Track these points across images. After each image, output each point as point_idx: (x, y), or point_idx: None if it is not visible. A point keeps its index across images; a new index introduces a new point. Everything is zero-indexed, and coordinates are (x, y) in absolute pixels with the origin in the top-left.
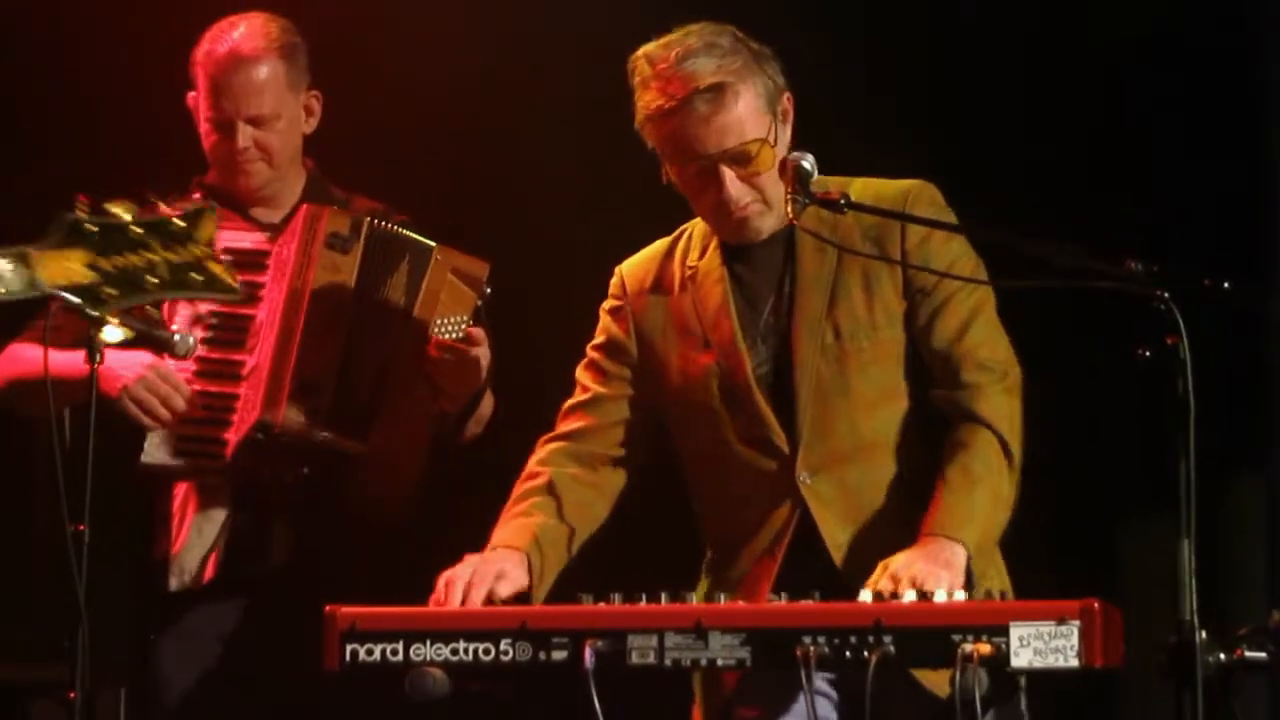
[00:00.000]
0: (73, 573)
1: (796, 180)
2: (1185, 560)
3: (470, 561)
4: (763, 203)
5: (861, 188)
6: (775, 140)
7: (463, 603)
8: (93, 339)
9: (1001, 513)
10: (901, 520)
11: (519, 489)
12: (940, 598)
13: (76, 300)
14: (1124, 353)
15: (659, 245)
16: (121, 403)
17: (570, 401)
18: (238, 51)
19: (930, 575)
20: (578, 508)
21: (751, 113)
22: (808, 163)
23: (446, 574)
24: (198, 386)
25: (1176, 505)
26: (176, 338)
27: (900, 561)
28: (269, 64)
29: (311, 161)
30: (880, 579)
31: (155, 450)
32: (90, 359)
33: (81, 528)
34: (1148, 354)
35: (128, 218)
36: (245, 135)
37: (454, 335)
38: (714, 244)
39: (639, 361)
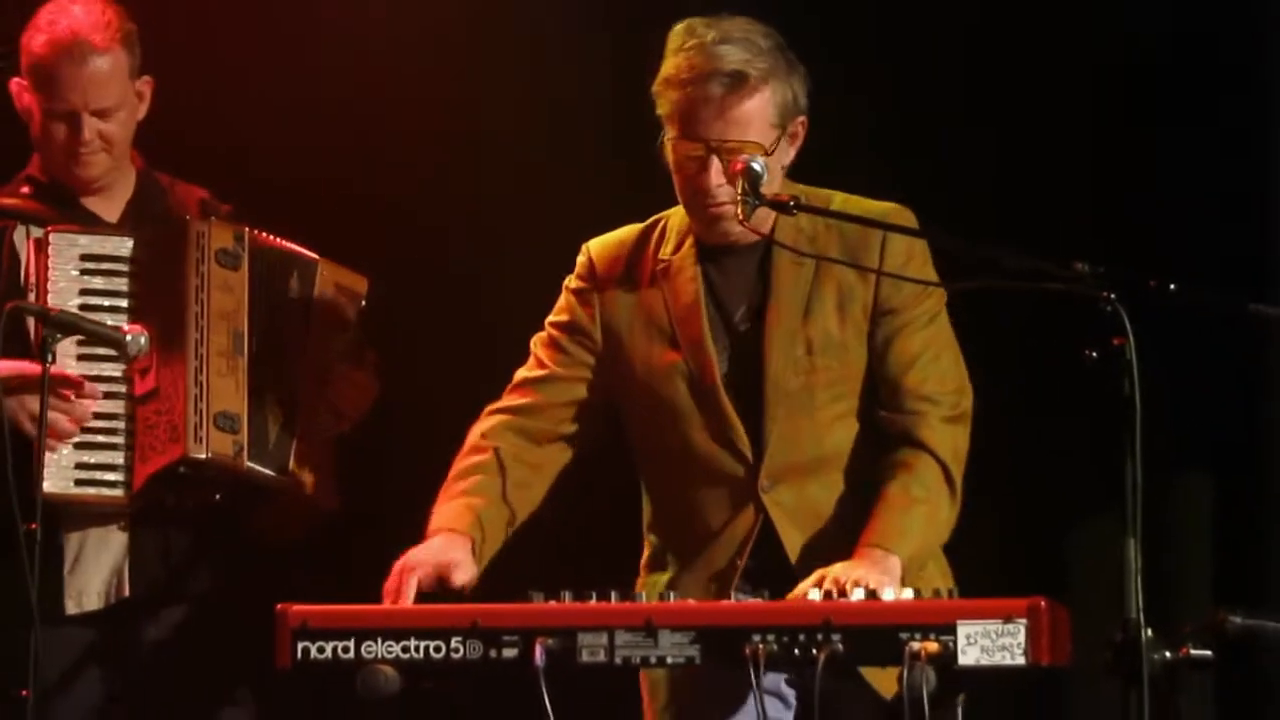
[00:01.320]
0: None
1: (747, 181)
2: (1131, 559)
3: (417, 556)
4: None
5: (842, 202)
6: (773, 153)
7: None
8: (46, 340)
9: (936, 536)
10: (855, 529)
11: (460, 463)
12: (889, 596)
13: None
14: (1072, 352)
15: (630, 231)
16: (16, 416)
17: (522, 374)
18: (84, 41)
19: (872, 578)
20: (517, 488)
21: (760, 117)
22: (758, 165)
23: (399, 565)
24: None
25: (1123, 504)
26: (128, 338)
27: (839, 568)
28: (113, 54)
29: (138, 155)
30: (824, 581)
31: (55, 479)
32: (42, 359)
33: (33, 526)
34: (1095, 355)
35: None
36: (91, 128)
37: (344, 354)
38: (689, 241)
39: (602, 349)
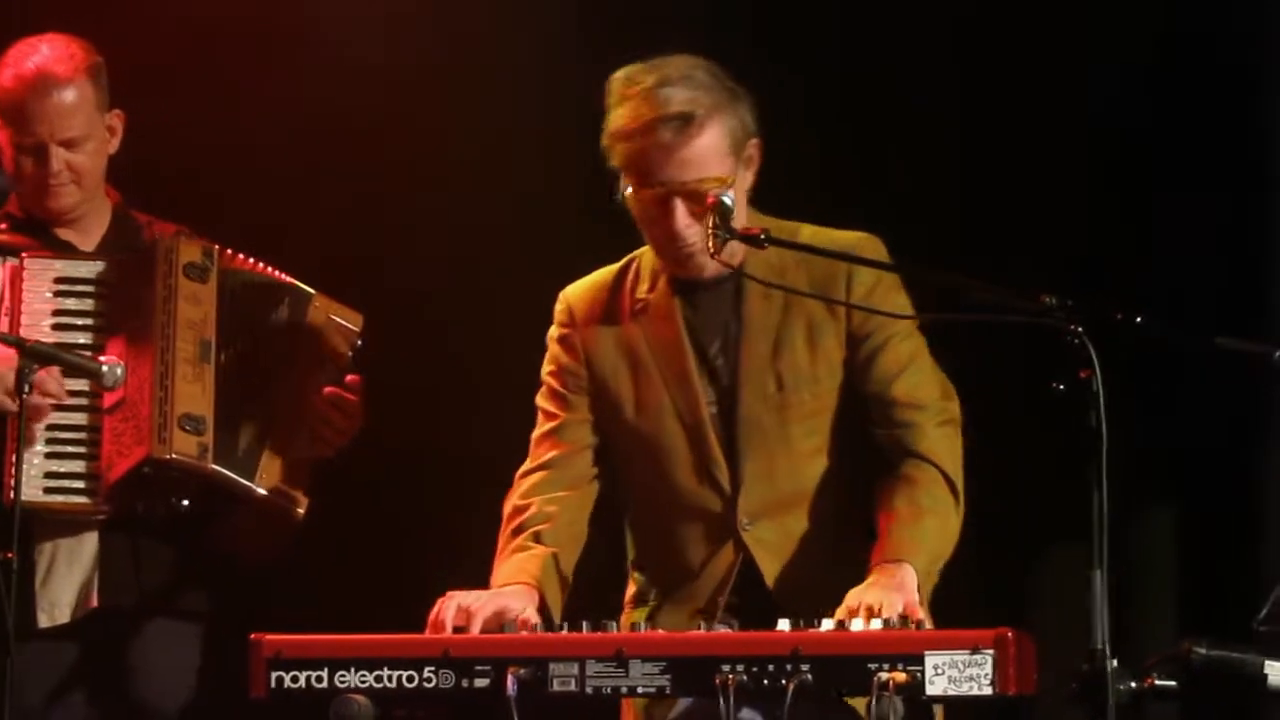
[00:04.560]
0: None
1: (717, 215)
2: (1097, 589)
3: (485, 594)
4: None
5: (810, 234)
6: (734, 184)
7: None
8: (23, 371)
9: (947, 544)
10: (838, 566)
11: (511, 523)
12: (858, 625)
13: None
14: (1038, 383)
15: (605, 274)
16: None
17: (539, 431)
18: (48, 74)
19: (884, 601)
20: (568, 529)
21: (714, 151)
22: (728, 199)
23: (462, 598)
24: (60, 419)
25: (1089, 535)
26: (104, 368)
27: (853, 593)
28: (78, 85)
29: (114, 190)
30: (840, 610)
31: (25, 487)
32: (19, 390)
33: (10, 555)
34: (1061, 387)
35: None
36: (59, 158)
37: (331, 382)
38: (664, 278)
39: (592, 388)
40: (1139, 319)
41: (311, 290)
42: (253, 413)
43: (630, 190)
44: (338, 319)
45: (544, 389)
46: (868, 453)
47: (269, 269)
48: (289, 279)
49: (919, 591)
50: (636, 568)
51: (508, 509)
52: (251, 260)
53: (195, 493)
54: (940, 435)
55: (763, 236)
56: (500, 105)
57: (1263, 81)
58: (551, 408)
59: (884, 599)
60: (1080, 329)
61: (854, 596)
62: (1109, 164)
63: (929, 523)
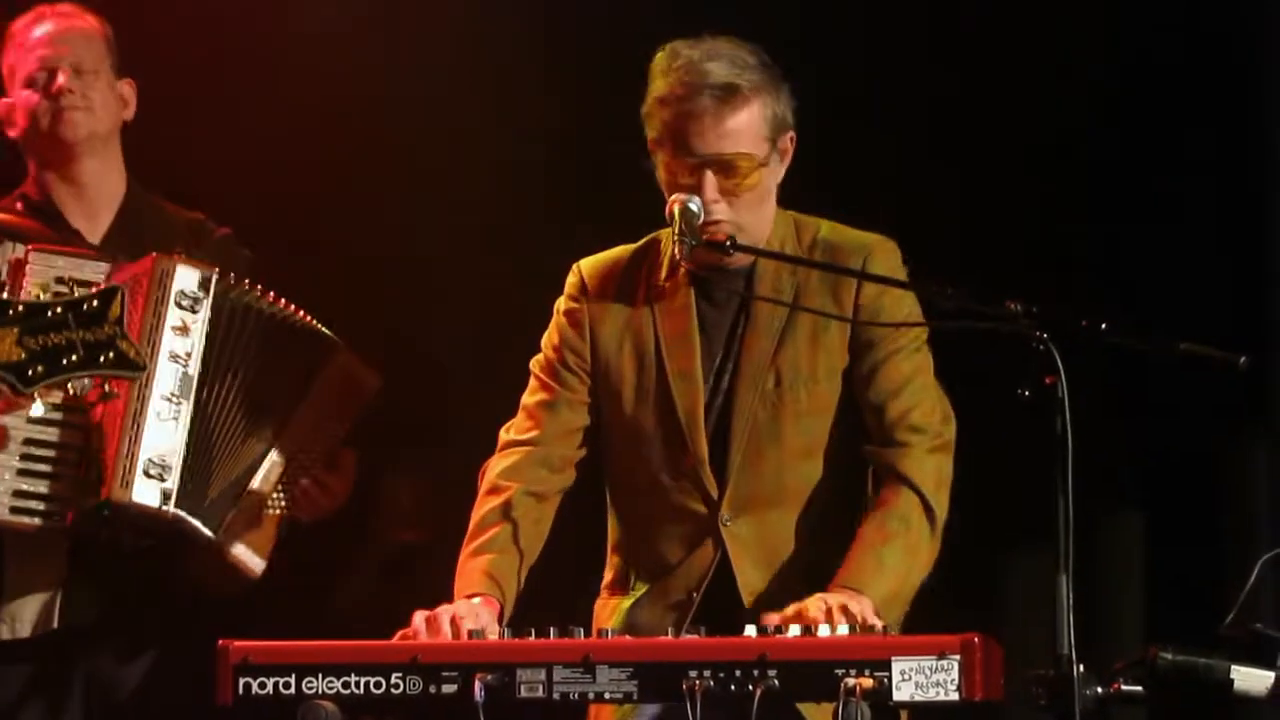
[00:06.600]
0: None
1: (683, 222)
2: (1063, 594)
3: (464, 607)
4: (736, 226)
5: (829, 230)
6: (767, 168)
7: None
8: None
9: (917, 569)
10: (810, 569)
11: (489, 500)
12: (823, 631)
13: (11, 377)
14: (1005, 390)
15: (623, 251)
16: None
17: (534, 398)
18: (65, 14)
19: (847, 601)
20: (535, 527)
21: (753, 129)
22: (694, 205)
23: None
24: (38, 434)
25: (1055, 540)
26: None
27: (813, 598)
28: (90, 26)
29: (129, 173)
30: (795, 610)
31: None
32: None
33: None
34: (1027, 393)
35: (48, 298)
36: (68, 74)
37: (325, 446)
38: (683, 268)
39: (593, 368)
40: (1104, 325)
41: (338, 340)
42: (233, 461)
43: (662, 163)
44: (355, 376)
45: (542, 358)
46: (857, 464)
47: (293, 309)
48: (314, 324)
49: (882, 617)
50: (616, 552)
51: (488, 481)
52: (282, 301)
53: (156, 534)
54: (929, 461)
55: (729, 244)
56: (484, 107)
57: (1262, 80)
58: (548, 379)
59: (842, 602)
60: (1045, 335)
61: (815, 600)
62: (1093, 170)
63: (893, 548)
